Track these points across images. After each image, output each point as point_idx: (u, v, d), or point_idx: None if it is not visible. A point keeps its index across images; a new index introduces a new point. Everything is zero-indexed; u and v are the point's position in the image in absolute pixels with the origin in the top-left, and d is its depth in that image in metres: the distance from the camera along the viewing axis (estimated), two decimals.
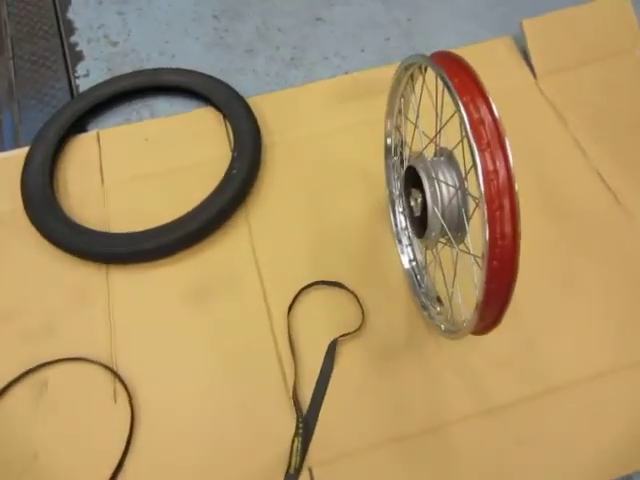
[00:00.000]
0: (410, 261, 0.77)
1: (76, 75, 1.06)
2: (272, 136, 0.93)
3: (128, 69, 1.03)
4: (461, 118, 0.46)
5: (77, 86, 1.04)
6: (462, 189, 0.55)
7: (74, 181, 0.90)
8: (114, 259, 0.80)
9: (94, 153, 0.93)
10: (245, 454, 0.65)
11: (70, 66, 1.07)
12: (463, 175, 0.55)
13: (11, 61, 1.09)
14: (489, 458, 0.64)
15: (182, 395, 0.70)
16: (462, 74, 0.47)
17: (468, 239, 0.57)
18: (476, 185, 0.46)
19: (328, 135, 0.93)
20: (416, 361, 0.71)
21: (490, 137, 0.44)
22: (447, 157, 0.58)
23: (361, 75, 1.01)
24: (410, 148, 0.69)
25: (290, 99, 0.98)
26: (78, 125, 0.96)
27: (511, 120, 0.46)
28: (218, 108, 0.96)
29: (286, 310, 0.75)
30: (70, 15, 1.15)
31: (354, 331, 0.72)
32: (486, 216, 0.45)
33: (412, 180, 0.63)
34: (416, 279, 0.75)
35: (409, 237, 0.78)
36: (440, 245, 0.64)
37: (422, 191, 0.59)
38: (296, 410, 0.67)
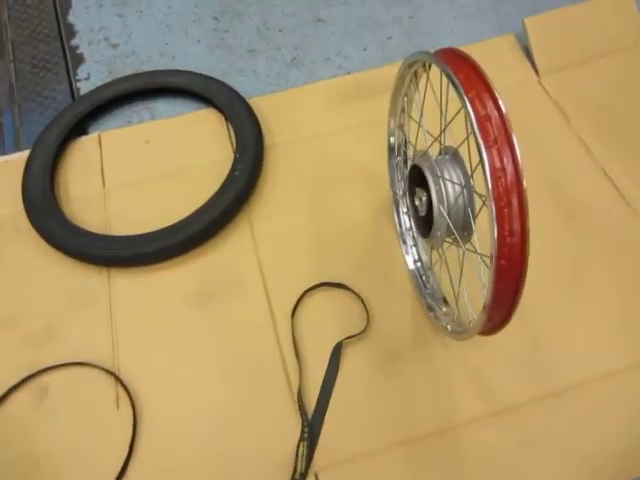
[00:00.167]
0: (415, 262, 0.76)
1: (77, 78, 1.05)
2: (274, 137, 0.93)
3: (129, 71, 1.02)
4: (467, 114, 0.45)
5: (78, 89, 1.03)
6: (468, 187, 0.54)
7: (75, 184, 0.90)
8: (115, 262, 0.79)
9: (95, 155, 0.92)
10: (250, 460, 0.64)
11: (71, 69, 1.07)
12: (469, 173, 0.54)
13: (12, 64, 1.09)
14: (496, 460, 0.63)
15: (185, 400, 0.69)
16: (467, 70, 0.47)
17: (475, 238, 0.56)
18: (483, 183, 0.45)
19: (330, 135, 0.92)
20: (422, 363, 0.70)
21: (497, 133, 0.44)
22: (452, 155, 0.57)
23: (363, 75, 1.00)
24: (414, 147, 0.68)
25: (292, 100, 0.98)
26: (79, 128, 0.96)
27: (514, 118, 0.46)
28: (219, 109, 0.95)
29: (290, 312, 0.74)
30: (71, 18, 1.15)
31: (359, 333, 0.71)
32: (494, 214, 0.44)
33: (417, 179, 0.62)
34: (421, 280, 0.74)
35: (414, 237, 0.77)
36: (446, 245, 0.63)
37: (427, 190, 0.58)
38: (301, 414, 0.66)
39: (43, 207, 0.83)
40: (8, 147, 0.98)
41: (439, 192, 0.57)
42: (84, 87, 1.03)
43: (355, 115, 0.94)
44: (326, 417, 0.66)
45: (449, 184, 0.56)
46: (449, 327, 0.66)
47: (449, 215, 0.56)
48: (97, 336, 0.74)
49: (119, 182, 0.89)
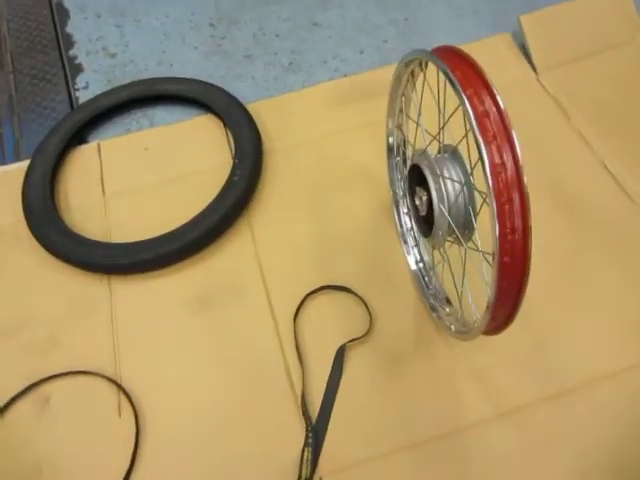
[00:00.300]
0: (417, 262, 0.76)
1: (76, 87, 1.06)
2: (273, 142, 0.92)
3: (127, 80, 1.03)
4: (465, 111, 0.44)
5: (77, 98, 1.04)
6: (468, 185, 0.54)
7: (75, 192, 0.90)
8: (116, 270, 0.79)
9: (95, 164, 0.93)
10: (253, 466, 0.64)
11: (70, 79, 1.07)
12: (469, 170, 0.53)
13: (11, 75, 1.10)
14: (502, 462, 0.62)
15: (188, 407, 0.68)
16: (464, 67, 0.46)
17: (476, 236, 0.55)
18: (483, 180, 0.45)
19: (329, 138, 0.92)
20: (426, 364, 0.69)
21: (496, 129, 0.43)
22: (451, 153, 0.57)
23: (360, 77, 1.00)
24: (413, 147, 0.68)
25: (290, 104, 0.98)
26: (78, 137, 0.96)
27: (514, 116, 0.45)
28: (218, 115, 0.95)
29: (292, 316, 0.73)
30: (69, 29, 1.16)
31: (362, 336, 0.71)
32: (495, 210, 0.43)
33: (416, 179, 0.61)
34: (424, 280, 0.74)
35: (415, 238, 0.77)
36: (448, 244, 0.62)
37: (427, 189, 0.58)
38: (305, 419, 0.65)
39: (43, 216, 0.83)
40: (8, 157, 0.98)
41: (439, 191, 0.56)
42: (83, 96, 1.03)
43: (353, 117, 0.94)
44: (330, 421, 0.65)
45: (449, 182, 0.56)
46: (453, 327, 0.65)
47: (450, 214, 0.56)
48: (98, 344, 0.74)
49: (119, 190, 0.89)
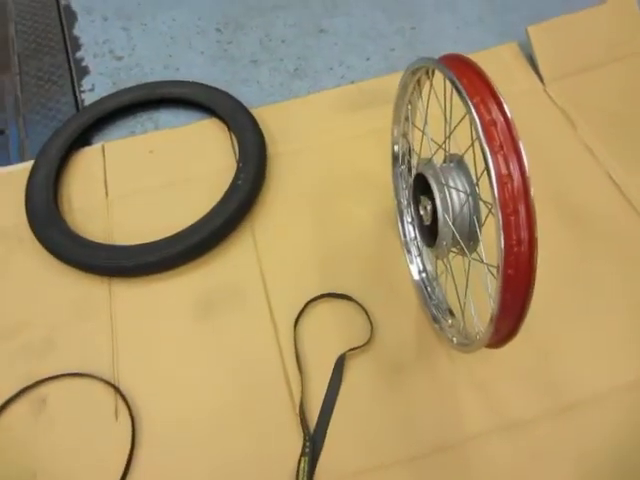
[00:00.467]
0: (420, 272, 0.75)
1: (81, 89, 1.06)
2: (277, 147, 0.92)
3: (133, 83, 1.03)
4: (472, 120, 0.44)
5: (82, 100, 1.04)
6: (474, 195, 0.53)
7: (78, 194, 0.90)
8: (117, 272, 0.79)
9: (99, 166, 0.93)
10: (250, 475, 0.63)
11: (76, 81, 1.08)
12: (475, 180, 0.53)
13: (18, 77, 1.10)
14: (504, 475, 0.62)
15: (185, 413, 0.68)
16: (471, 75, 0.46)
17: (481, 247, 0.55)
18: (488, 190, 0.44)
19: (333, 145, 0.92)
20: (427, 375, 0.68)
21: (503, 139, 0.43)
22: (457, 163, 0.56)
23: (366, 84, 1.00)
24: (418, 155, 0.68)
25: (295, 109, 0.98)
26: (83, 139, 0.96)
27: (520, 126, 0.45)
28: (223, 119, 0.95)
29: (292, 323, 0.73)
30: (76, 32, 1.17)
31: (363, 345, 0.70)
32: (500, 222, 0.43)
33: (421, 188, 0.61)
34: (426, 290, 0.73)
35: (418, 247, 0.76)
36: (451, 255, 0.61)
37: (432, 198, 0.58)
38: (303, 428, 0.64)
39: (46, 217, 0.83)
40: (13, 158, 0.98)
41: (444, 200, 0.56)
42: (88, 99, 1.04)
43: (358, 124, 0.93)
44: (328, 431, 0.65)
45: (454, 192, 0.55)
46: (455, 339, 0.65)
47: (454, 224, 0.55)
48: (97, 347, 0.73)
49: (122, 192, 0.89)
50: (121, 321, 0.75)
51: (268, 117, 0.95)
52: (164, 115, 1.00)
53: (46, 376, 0.70)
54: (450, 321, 0.68)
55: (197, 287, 0.78)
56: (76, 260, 0.79)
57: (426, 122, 0.60)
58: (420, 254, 0.76)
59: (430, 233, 0.61)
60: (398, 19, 1.12)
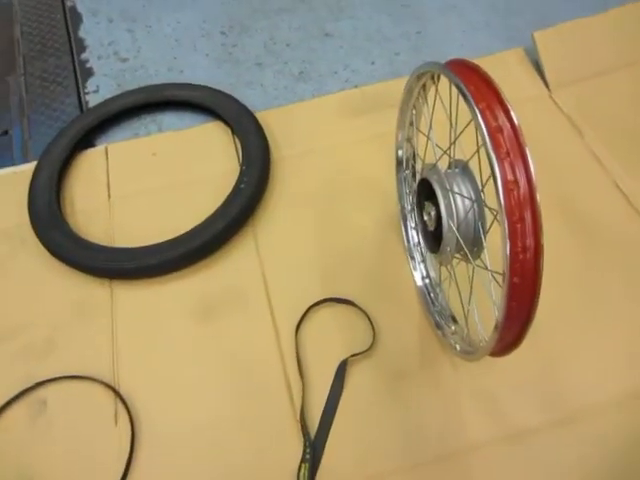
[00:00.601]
0: (423, 278, 0.74)
1: (86, 91, 1.06)
2: (281, 150, 0.92)
3: (137, 85, 1.03)
4: (478, 126, 0.43)
5: (87, 102, 1.04)
6: (479, 201, 0.53)
7: (81, 196, 0.90)
8: (119, 274, 0.78)
9: (102, 168, 0.92)
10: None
11: (80, 82, 1.08)
12: (480, 187, 0.52)
13: (22, 78, 1.10)
14: None
15: (185, 417, 0.67)
16: (478, 81, 0.45)
17: (485, 254, 0.54)
18: (494, 197, 0.43)
19: (337, 149, 0.91)
20: (430, 383, 0.67)
21: (509, 146, 0.42)
22: (462, 169, 0.56)
23: (371, 88, 1.00)
24: (422, 160, 0.67)
25: (299, 113, 0.98)
26: (86, 140, 0.96)
27: (526, 133, 0.44)
28: (226, 122, 0.95)
29: (294, 328, 0.72)
30: (81, 33, 1.17)
31: (365, 351, 0.69)
32: (506, 229, 0.42)
33: (425, 193, 0.60)
34: (429, 297, 0.72)
35: (422, 253, 0.76)
36: (455, 261, 0.61)
37: (436, 204, 0.57)
38: (303, 435, 0.64)
39: (48, 219, 0.83)
40: (16, 159, 0.98)
41: (448, 206, 0.55)
42: (93, 100, 1.04)
43: (363, 129, 0.93)
44: (329, 438, 0.64)
45: (459, 198, 0.54)
46: (458, 346, 0.64)
47: (459, 230, 0.55)
48: (98, 349, 0.73)
49: (125, 194, 0.89)
50: (122, 323, 0.75)
51: (272, 120, 0.95)
52: (168, 117, 1.00)
53: (46, 378, 0.70)
54: (453, 328, 0.68)
55: (198, 290, 0.77)
56: (78, 262, 0.79)
57: (431, 127, 0.60)
58: (423, 260, 0.75)
59: (434, 239, 0.61)
60: (403, 23, 1.12)
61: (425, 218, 0.62)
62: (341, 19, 1.14)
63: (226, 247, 0.81)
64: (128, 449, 0.64)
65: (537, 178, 0.43)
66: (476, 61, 0.50)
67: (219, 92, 0.98)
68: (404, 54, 1.06)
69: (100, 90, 1.06)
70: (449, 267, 0.63)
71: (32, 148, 0.99)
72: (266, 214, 0.85)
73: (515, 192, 0.42)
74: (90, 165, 0.93)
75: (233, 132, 0.94)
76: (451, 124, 0.55)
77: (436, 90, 0.57)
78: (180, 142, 0.95)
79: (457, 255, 0.59)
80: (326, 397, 0.67)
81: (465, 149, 0.55)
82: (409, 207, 0.77)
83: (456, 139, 0.55)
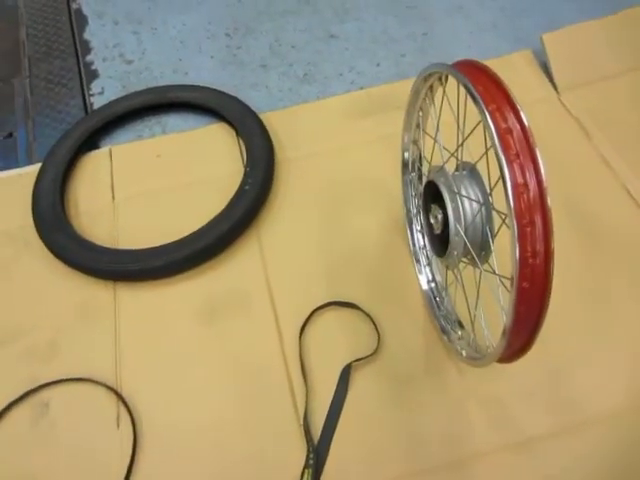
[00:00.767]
0: (429, 282, 0.73)
1: (91, 93, 1.06)
2: (285, 152, 0.91)
3: (142, 87, 1.03)
4: (487, 128, 0.42)
5: (91, 104, 1.04)
6: (487, 204, 0.52)
7: (85, 197, 0.90)
8: (123, 276, 0.78)
9: (106, 169, 0.92)
10: None
11: (85, 84, 1.08)
12: (488, 189, 0.51)
13: (28, 80, 1.11)
14: None
15: (187, 421, 0.67)
16: (487, 81, 0.45)
17: (493, 258, 0.53)
18: (503, 200, 0.43)
19: (342, 151, 0.91)
20: (435, 389, 0.66)
21: (519, 148, 0.41)
22: (470, 171, 0.55)
23: (376, 90, 0.99)
24: (429, 163, 0.66)
25: (304, 115, 0.97)
26: (91, 142, 0.96)
27: (535, 135, 0.43)
28: (231, 124, 0.95)
29: (298, 332, 0.72)
30: (87, 35, 1.17)
31: (369, 355, 0.69)
32: (516, 233, 0.41)
33: (432, 196, 0.60)
34: (435, 301, 0.71)
35: (427, 257, 0.75)
36: (462, 265, 0.60)
37: (443, 207, 0.56)
38: (307, 440, 0.63)
39: (52, 221, 0.83)
40: (21, 160, 0.98)
41: (456, 209, 0.54)
42: (98, 102, 1.04)
43: (368, 131, 0.92)
44: (333, 443, 0.63)
45: (466, 201, 0.54)
46: (464, 352, 0.63)
47: (466, 234, 0.54)
48: (101, 351, 0.73)
49: (129, 196, 0.89)
50: (125, 326, 0.75)
51: (277, 122, 0.94)
52: (172, 119, 1.00)
53: (49, 380, 0.70)
54: (460, 333, 0.67)
55: (202, 292, 0.77)
56: (82, 264, 0.79)
57: (438, 129, 0.59)
58: (429, 263, 0.74)
59: (440, 242, 0.60)
60: (409, 24, 1.11)
61: (431, 221, 0.61)
62: (346, 21, 1.14)
63: (230, 249, 0.80)
64: (130, 452, 0.64)
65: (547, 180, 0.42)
66: (483, 62, 0.49)
67: (224, 94, 0.98)
68: (410, 56, 1.06)
69: (105, 92, 1.06)
70: (455, 271, 0.62)
71: (37, 150, 0.99)
72: (270, 216, 0.84)
73: (525, 195, 0.41)
74: (94, 167, 0.93)
75: (237, 134, 0.94)
76: (458, 126, 0.54)
77: (443, 91, 0.56)
78: (184, 144, 0.95)
79: (464, 259, 0.58)
80: (330, 402, 0.66)
81: (472, 151, 0.55)
82: (415, 210, 0.76)
83: (464, 141, 0.54)
